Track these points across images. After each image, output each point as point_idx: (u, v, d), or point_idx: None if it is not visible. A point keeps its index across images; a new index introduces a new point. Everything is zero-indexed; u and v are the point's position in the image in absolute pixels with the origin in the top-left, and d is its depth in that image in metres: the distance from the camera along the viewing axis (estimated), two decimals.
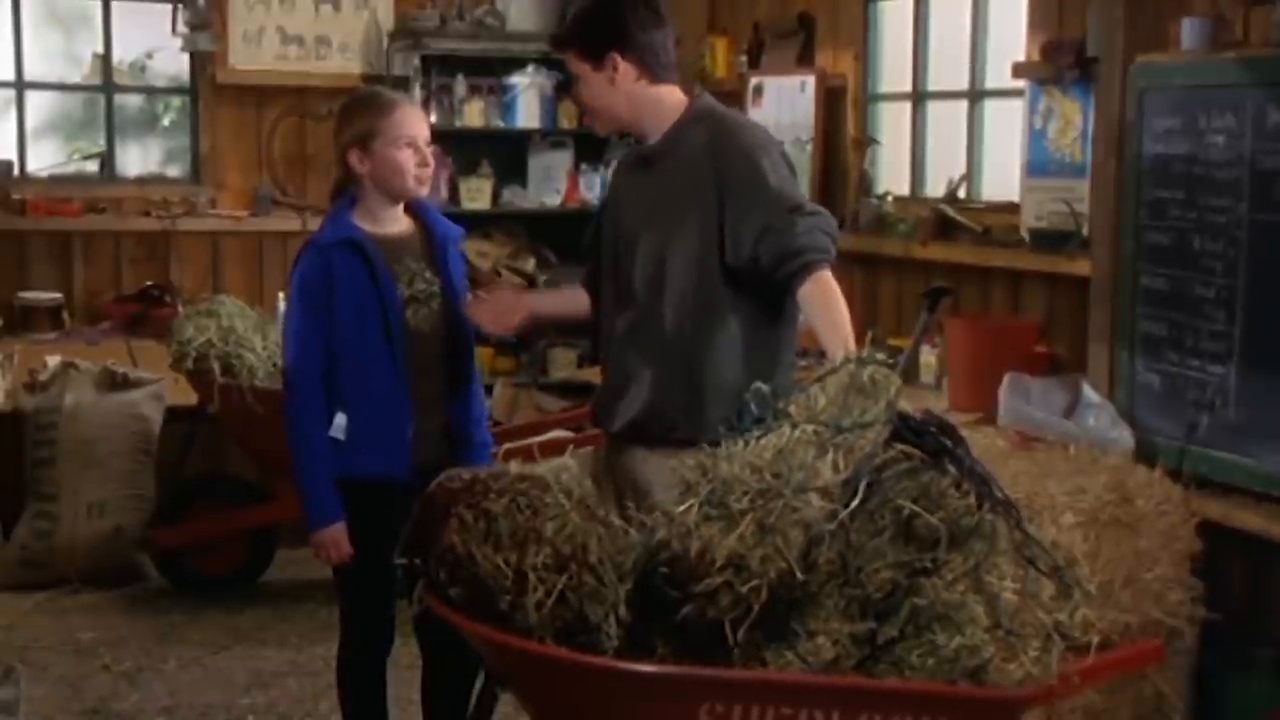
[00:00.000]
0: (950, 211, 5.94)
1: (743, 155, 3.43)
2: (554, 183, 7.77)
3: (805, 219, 3.35)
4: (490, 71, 7.70)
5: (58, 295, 7.15)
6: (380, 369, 3.72)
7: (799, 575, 2.51)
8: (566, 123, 7.79)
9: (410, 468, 3.71)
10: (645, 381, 3.51)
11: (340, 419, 3.73)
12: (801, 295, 3.34)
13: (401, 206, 3.84)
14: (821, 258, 3.33)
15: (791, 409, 2.79)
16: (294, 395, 3.76)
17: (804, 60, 6.87)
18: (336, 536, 3.73)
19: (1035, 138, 5.50)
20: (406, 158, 3.73)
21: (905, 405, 2.73)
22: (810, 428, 2.69)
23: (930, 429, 2.63)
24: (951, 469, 2.60)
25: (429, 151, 3.78)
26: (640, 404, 3.52)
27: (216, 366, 5.63)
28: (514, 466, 2.86)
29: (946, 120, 6.32)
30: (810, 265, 3.32)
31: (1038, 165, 5.51)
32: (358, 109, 3.82)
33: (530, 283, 7.57)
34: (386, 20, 7.68)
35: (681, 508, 2.61)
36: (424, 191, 3.82)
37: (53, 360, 6.30)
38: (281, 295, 7.38)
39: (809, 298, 3.33)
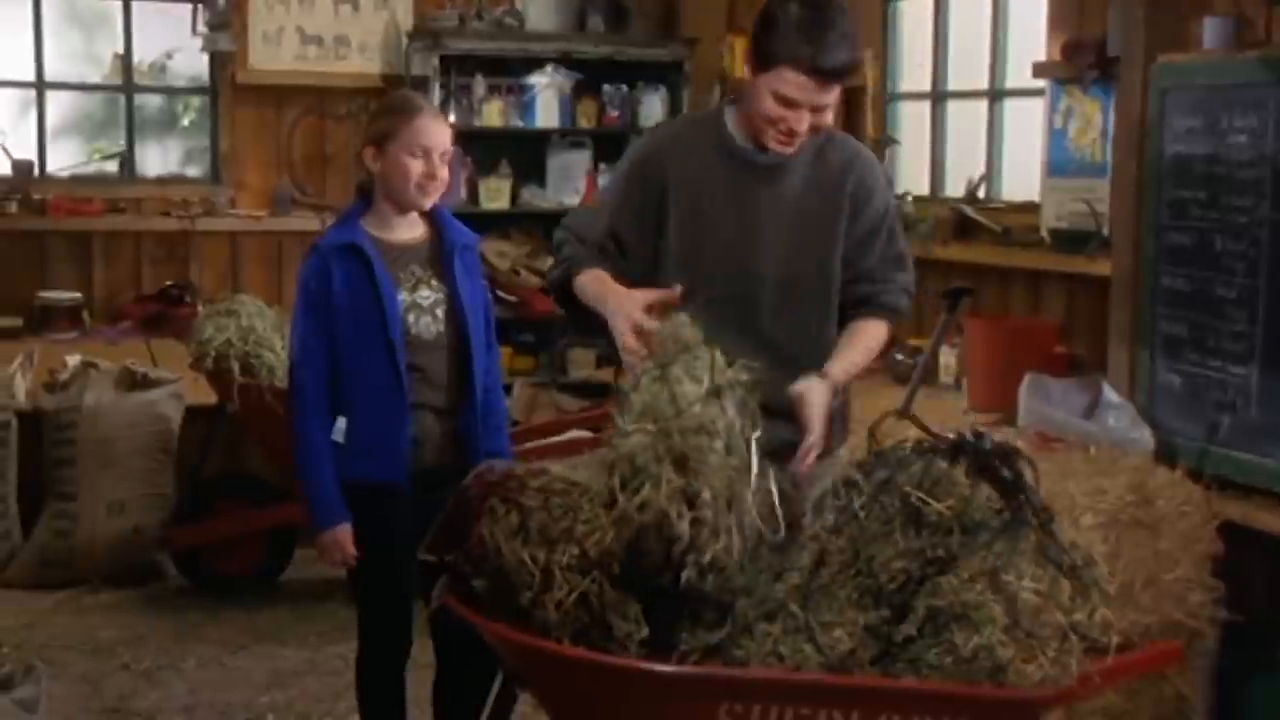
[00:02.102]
0: (970, 212, 5.93)
1: (881, 204, 3.43)
2: (573, 182, 7.77)
3: (901, 276, 3.45)
4: (509, 71, 7.71)
5: (77, 295, 7.17)
6: (379, 374, 3.71)
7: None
8: (585, 122, 7.80)
9: (408, 474, 3.73)
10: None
11: (340, 422, 3.74)
12: (856, 324, 3.41)
13: (415, 213, 3.83)
14: (894, 320, 3.48)
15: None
16: (298, 397, 3.77)
17: None
18: (340, 538, 3.75)
19: (1055, 137, 5.49)
20: (414, 165, 3.71)
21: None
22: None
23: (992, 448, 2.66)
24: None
25: (442, 164, 3.74)
26: (793, 426, 3.32)
27: (236, 366, 5.64)
28: (555, 467, 2.84)
29: (966, 120, 6.31)
30: (884, 316, 3.44)
31: (1058, 165, 5.49)
32: (383, 109, 3.86)
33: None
34: (405, 20, 7.69)
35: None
36: (426, 203, 3.78)
37: (72, 360, 6.32)
38: None
39: (863, 330, 3.40)
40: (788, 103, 3.21)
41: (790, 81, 3.19)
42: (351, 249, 3.72)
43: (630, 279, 3.27)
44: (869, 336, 3.40)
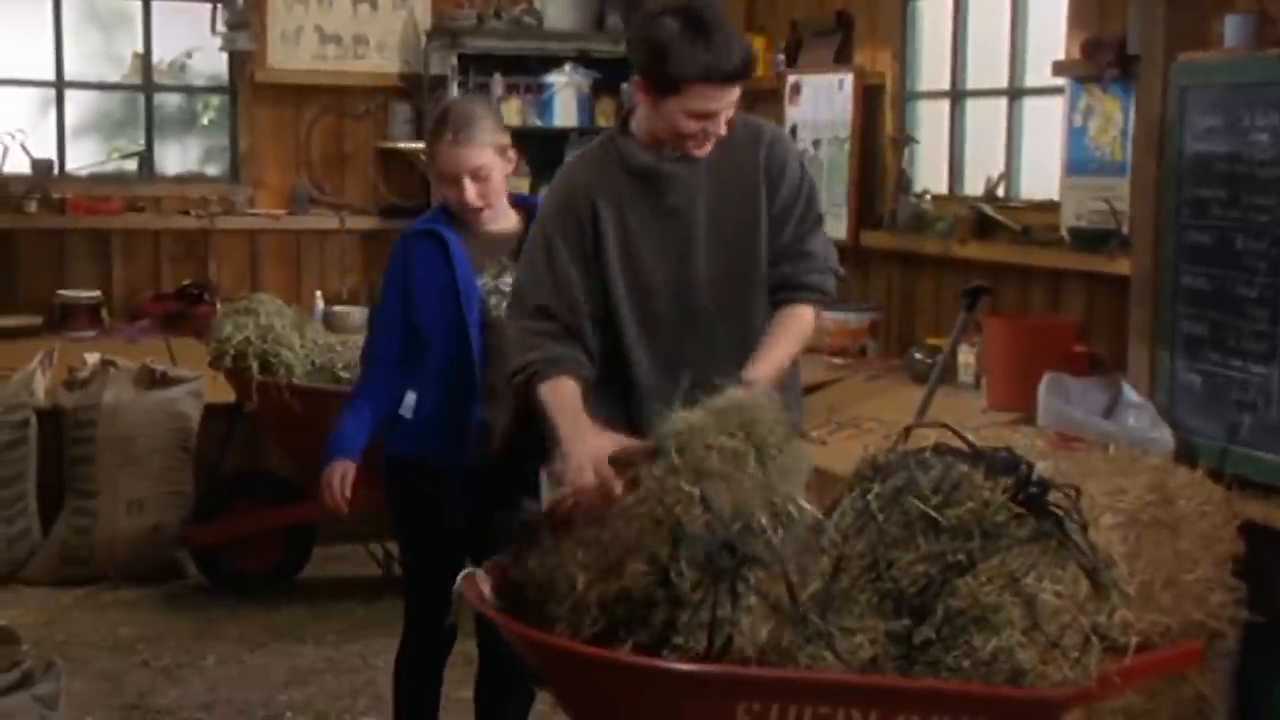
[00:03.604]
0: (989, 210, 5.91)
1: (795, 173, 3.42)
2: None
3: (820, 248, 3.42)
4: (528, 70, 7.72)
5: (97, 293, 7.21)
6: (454, 355, 3.80)
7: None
8: (604, 121, 7.78)
9: (472, 457, 3.79)
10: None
11: (410, 397, 3.84)
12: (782, 313, 3.38)
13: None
14: (818, 299, 3.43)
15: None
16: (362, 370, 4.01)
17: (842, 58, 6.85)
18: (344, 470, 3.84)
19: (1075, 136, 5.47)
20: (447, 192, 3.85)
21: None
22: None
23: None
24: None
25: (475, 184, 3.80)
26: None
27: (254, 364, 5.65)
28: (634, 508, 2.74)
29: (985, 119, 6.29)
30: (808, 301, 3.41)
31: (1078, 164, 5.47)
32: (429, 132, 3.93)
33: None
34: (424, 19, 7.70)
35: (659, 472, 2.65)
36: (474, 219, 3.85)
37: (92, 358, 6.34)
38: (319, 293, 7.47)
39: (787, 320, 3.37)
40: (702, 115, 3.24)
41: (700, 95, 3.22)
42: (431, 235, 3.85)
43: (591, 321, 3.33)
44: (795, 326, 3.37)
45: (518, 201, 3.98)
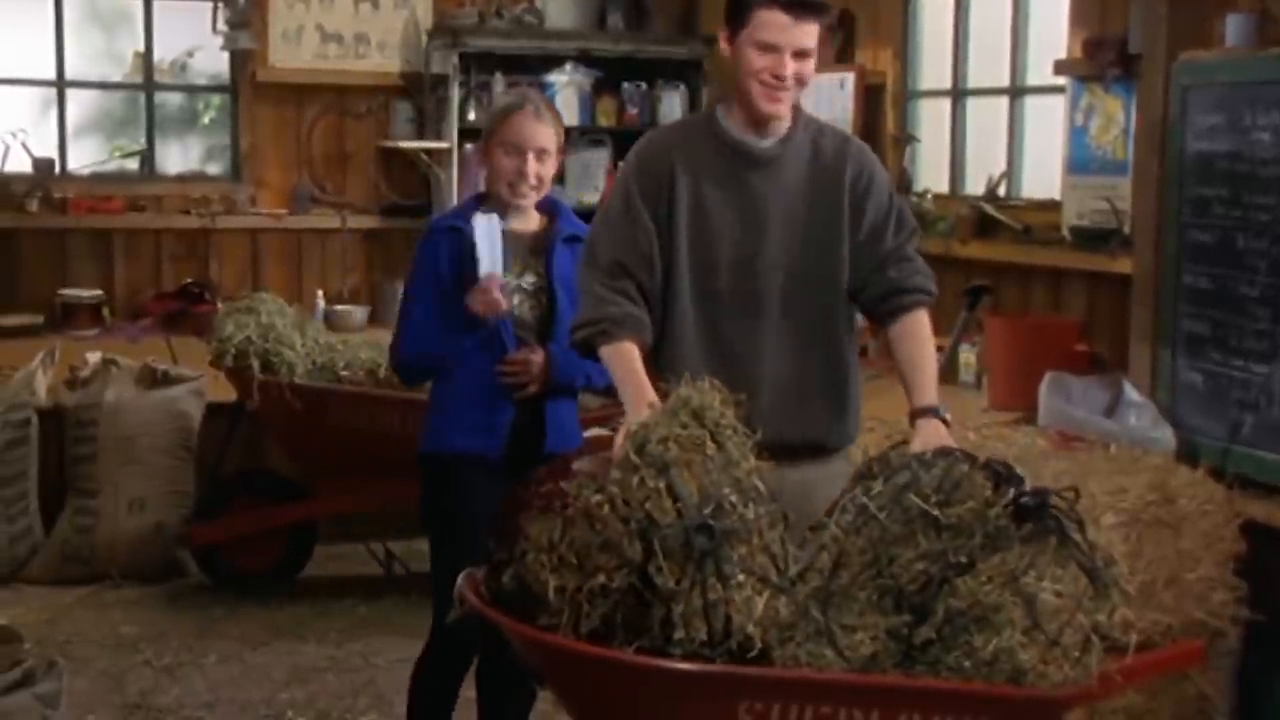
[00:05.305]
0: (990, 209, 5.92)
1: (883, 185, 3.43)
2: (592, 180, 7.78)
3: (916, 253, 3.44)
4: (528, 69, 7.71)
5: (98, 292, 7.21)
6: (485, 351, 3.84)
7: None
8: (605, 120, 7.80)
9: (503, 450, 3.82)
10: (809, 394, 3.39)
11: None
12: (908, 324, 3.38)
13: (530, 205, 3.92)
14: (929, 300, 3.43)
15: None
16: (401, 373, 4.10)
17: (843, 57, 6.86)
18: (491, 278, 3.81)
19: (1077, 135, 5.47)
20: (506, 164, 3.84)
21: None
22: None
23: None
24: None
25: (537, 162, 3.83)
26: (806, 419, 3.38)
27: (256, 363, 5.65)
28: (613, 479, 2.71)
29: (987, 117, 6.29)
30: (921, 303, 3.41)
31: (1079, 163, 5.48)
32: (502, 109, 3.96)
33: None
34: (425, 18, 7.70)
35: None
36: (519, 201, 3.87)
37: (93, 357, 6.33)
38: (320, 292, 7.46)
39: (914, 330, 3.38)
40: (769, 48, 3.23)
41: (767, 23, 3.22)
42: (455, 230, 3.89)
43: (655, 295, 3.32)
44: (928, 337, 3.40)
45: (539, 203, 3.98)
